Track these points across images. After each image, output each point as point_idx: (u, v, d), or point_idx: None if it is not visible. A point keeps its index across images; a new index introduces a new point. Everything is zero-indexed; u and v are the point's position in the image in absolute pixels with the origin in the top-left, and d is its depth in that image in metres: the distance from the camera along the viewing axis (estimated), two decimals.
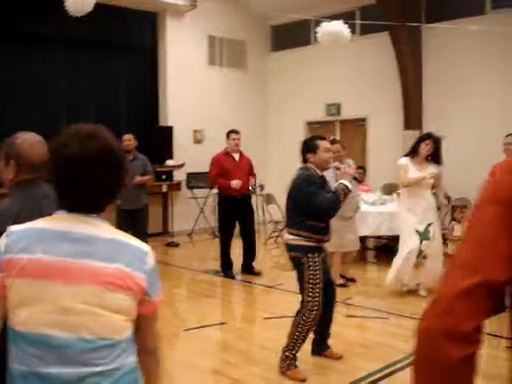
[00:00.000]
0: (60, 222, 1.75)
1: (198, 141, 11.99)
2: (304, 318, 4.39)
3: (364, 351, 5.02)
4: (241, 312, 6.70)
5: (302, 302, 4.44)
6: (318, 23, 11.72)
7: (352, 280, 7.43)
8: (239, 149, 7.94)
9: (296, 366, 4.45)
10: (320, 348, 4.83)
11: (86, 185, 1.72)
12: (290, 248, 4.51)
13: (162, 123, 11.67)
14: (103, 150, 1.75)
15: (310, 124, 12.72)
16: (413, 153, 6.57)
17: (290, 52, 12.86)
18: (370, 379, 4.41)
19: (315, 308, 4.37)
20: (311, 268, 4.36)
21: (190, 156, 11.31)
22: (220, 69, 12.49)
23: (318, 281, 4.36)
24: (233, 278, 7.75)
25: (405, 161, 6.59)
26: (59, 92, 10.50)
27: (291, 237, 4.47)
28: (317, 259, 4.37)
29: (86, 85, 10.79)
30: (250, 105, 12.91)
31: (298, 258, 4.43)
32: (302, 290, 4.45)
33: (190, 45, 11.87)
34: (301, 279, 4.43)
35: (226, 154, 7.90)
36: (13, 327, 1.71)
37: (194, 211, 11.38)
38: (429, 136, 6.60)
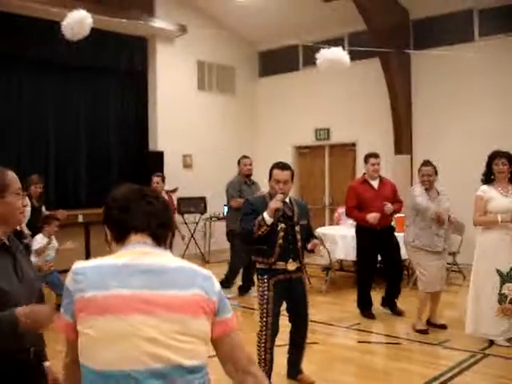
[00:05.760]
0: (127, 256, 1.76)
1: (187, 165, 11.94)
2: (257, 338, 4.47)
3: (382, 376, 4.97)
4: (246, 339, 6.56)
5: None
6: (306, 49, 11.92)
7: (442, 326, 6.26)
8: (379, 175, 7.02)
9: None
10: (291, 371, 4.78)
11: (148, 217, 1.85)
12: None
13: (151, 148, 11.59)
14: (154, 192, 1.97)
15: (298, 148, 12.76)
16: (487, 178, 5.65)
17: (279, 77, 12.93)
18: None
19: (263, 329, 4.43)
20: (260, 289, 4.48)
21: (179, 181, 11.20)
22: (209, 93, 12.50)
23: (264, 302, 4.42)
24: (372, 318, 6.78)
25: (483, 190, 5.61)
26: (49, 116, 10.47)
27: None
28: (266, 281, 4.42)
29: (76, 109, 10.79)
30: (239, 130, 12.91)
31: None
32: None
33: (180, 70, 11.88)
34: None
35: (364, 181, 7.00)
36: (93, 368, 1.67)
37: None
38: (496, 154, 5.63)
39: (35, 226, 7.72)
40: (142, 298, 1.66)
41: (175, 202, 10.11)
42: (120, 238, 1.84)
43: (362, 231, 6.93)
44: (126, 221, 1.83)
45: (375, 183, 6.95)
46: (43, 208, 8.30)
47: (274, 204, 4.29)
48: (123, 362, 1.63)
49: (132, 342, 1.63)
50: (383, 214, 6.61)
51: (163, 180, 8.57)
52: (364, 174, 7.09)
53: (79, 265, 1.74)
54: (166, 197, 8.21)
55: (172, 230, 2.00)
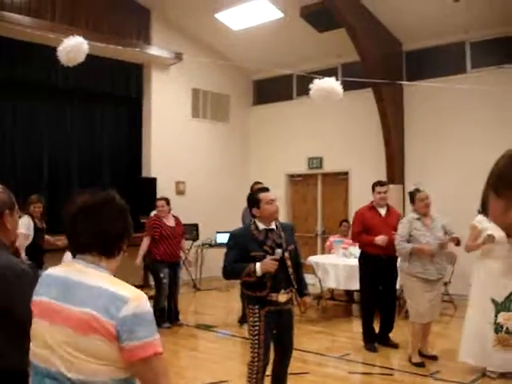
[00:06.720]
0: (61, 268, 2.00)
1: (180, 192, 11.94)
2: (248, 369, 4.35)
3: None
4: (239, 369, 6.44)
5: None
6: (300, 79, 12.02)
7: (433, 357, 6.18)
8: (386, 203, 6.97)
9: None
10: None
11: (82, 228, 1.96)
12: None
13: (145, 174, 11.61)
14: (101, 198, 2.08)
15: (291, 177, 12.80)
16: (483, 207, 5.75)
17: (272, 106, 13.04)
18: None
19: (255, 360, 4.31)
20: (251, 319, 4.35)
21: (172, 207, 11.16)
22: (203, 121, 12.58)
23: (256, 332, 4.30)
24: (375, 351, 6.59)
25: (479, 221, 5.68)
26: (43, 140, 10.51)
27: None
28: (257, 311, 4.31)
29: (70, 133, 10.83)
30: (232, 157, 12.97)
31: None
32: None
33: (175, 97, 11.97)
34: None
35: (371, 208, 6.93)
36: None
37: None
38: None
39: (40, 247, 7.68)
40: (52, 307, 1.88)
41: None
42: (73, 254, 2.00)
43: (367, 259, 6.81)
44: (73, 241, 1.98)
45: (383, 211, 6.89)
46: None
47: (271, 267, 4.18)
48: (36, 357, 1.90)
49: (39, 343, 1.88)
50: (389, 243, 6.45)
51: (168, 203, 8.42)
52: (372, 201, 6.99)
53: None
54: (173, 220, 8.28)
55: (126, 238, 2.01)
